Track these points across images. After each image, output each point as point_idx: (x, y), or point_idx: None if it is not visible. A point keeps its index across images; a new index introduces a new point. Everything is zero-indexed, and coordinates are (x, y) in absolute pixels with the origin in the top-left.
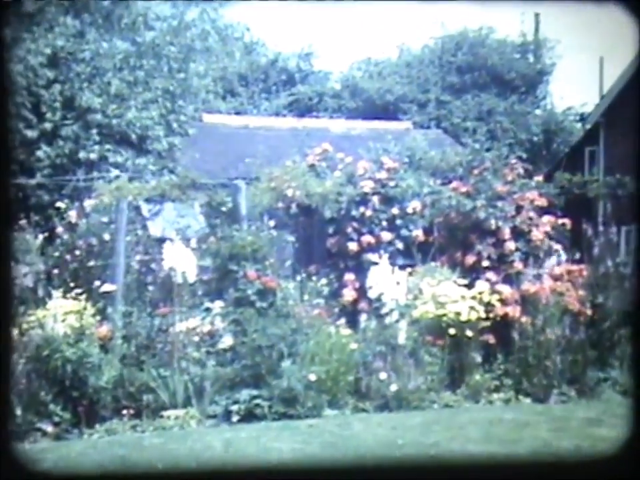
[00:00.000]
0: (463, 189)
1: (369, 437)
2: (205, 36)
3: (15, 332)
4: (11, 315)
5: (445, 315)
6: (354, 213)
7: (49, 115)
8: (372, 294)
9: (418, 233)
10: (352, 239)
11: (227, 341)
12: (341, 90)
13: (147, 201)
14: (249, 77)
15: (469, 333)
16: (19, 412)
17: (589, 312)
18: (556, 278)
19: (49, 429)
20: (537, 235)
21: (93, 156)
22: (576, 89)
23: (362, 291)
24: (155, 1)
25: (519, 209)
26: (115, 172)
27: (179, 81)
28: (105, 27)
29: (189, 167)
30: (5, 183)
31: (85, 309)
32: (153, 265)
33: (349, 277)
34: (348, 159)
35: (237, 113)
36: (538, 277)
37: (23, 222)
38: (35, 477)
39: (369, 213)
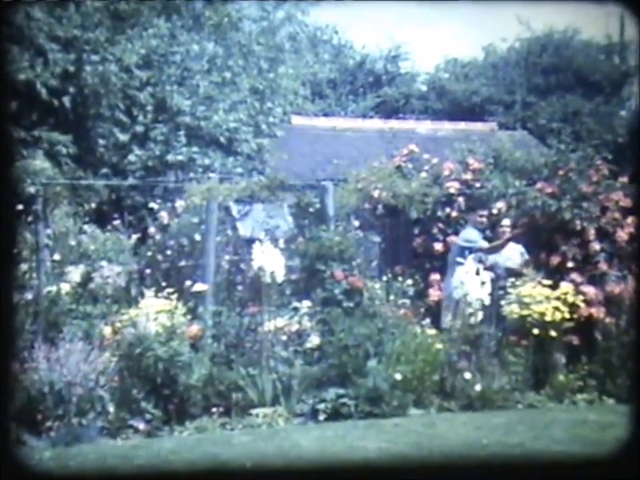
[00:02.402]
0: (548, 190)
1: (454, 436)
2: (293, 37)
3: (109, 330)
4: (12, 320)
5: (529, 315)
6: (440, 213)
7: (140, 118)
8: (457, 294)
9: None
10: (437, 240)
11: (314, 340)
12: (427, 92)
13: (237, 201)
14: (337, 79)
15: (553, 334)
16: (111, 409)
17: None
18: None
19: (141, 426)
20: (621, 235)
21: (181, 158)
22: None
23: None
24: (244, 2)
25: (604, 209)
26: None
27: (267, 82)
28: (195, 28)
29: (277, 168)
30: (5, 183)
31: (176, 308)
32: (242, 265)
33: (435, 277)
34: (434, 160)
35: (325, 115)
36: (622, 278)
37: (116, 222)
38: (34, 477)
39: (454, 213)
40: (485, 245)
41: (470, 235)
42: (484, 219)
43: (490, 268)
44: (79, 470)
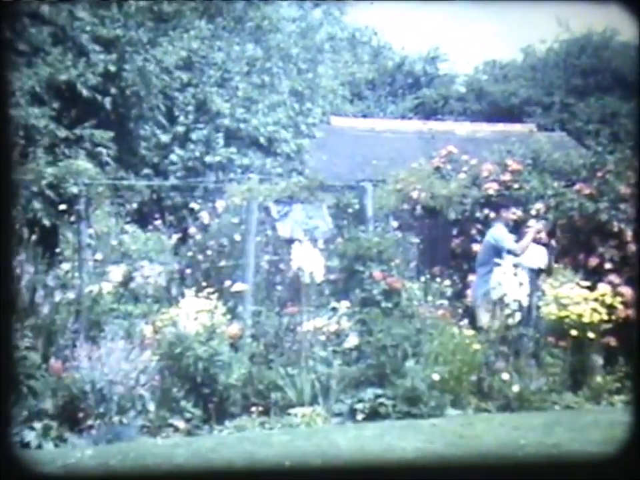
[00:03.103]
0: (587, 191)
1: (491, 437)
2: (332, 38)
3: (149, 330)
4: (11, 318)
5: (567, 316)
6: (478, 214)
7: (181, 119)
8: (495, 295)
9: (541, 235)
10: (476, 241)
11: (352, 341)
12: (466, 93)
13: (276, 202)
14: (376, 80)
15: (591, 335)
16: (152, 408)
17: None
18: None
19: (181, 424)
20: None
21: (220, 159)
22: None
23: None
24: (283, 3)
25: None
26: (250, 175)
27: (306, 83)
28: (236, 30)
29: (316, 168)
30: (6, 182)
31: (216, 307)
32: (282, 265)
33: (473, 277)
34: (472, 161)
35: (364, 116)
36: None
37: (157, 222)
38: (34, 478)
39: (492, 214)
40: (514, 246)
41: (498, 232)
42: (515, 217)
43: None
44: (79, 470)
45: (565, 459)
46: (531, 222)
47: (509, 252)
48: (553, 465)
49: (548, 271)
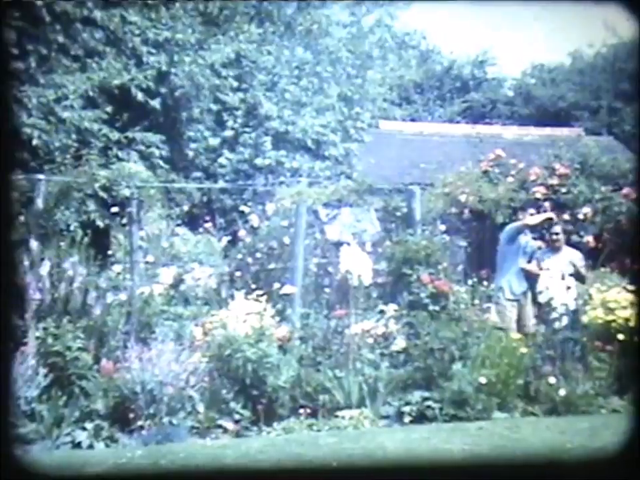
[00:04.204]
0: (634, 196)
1: (538, 440)
2: (382, 43)
3: (199, 331)
4: (11, 321)
5: (613, 320)
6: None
7: (230, 122)
8: (542, 299)
9: (589, 239)
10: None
11: (400, 343)
12: (514, 97)
13: (325, 205)
14: (424, 84)
15: (638, 339)
16: (201, 409)
17: None
18: None
19: (230, 426)
20: None
21: (270, 162)
22: None
23: (533, 296)
24: (334, 7)
25: None
26: (300, 179)
27: (356, 87)
28: (286, 34)
29: (365, 172)
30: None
31: (265, 310)
32: (330, 268)
33: None
34: (520, 165)
35: (412, 120)
36: None
37: (207, 225)
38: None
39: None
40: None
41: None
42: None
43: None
44: (79, 470)
45: (566, 459)
46: (556, 228)
47: (518, 231)
48: (554, 465)
49: (578, 275)
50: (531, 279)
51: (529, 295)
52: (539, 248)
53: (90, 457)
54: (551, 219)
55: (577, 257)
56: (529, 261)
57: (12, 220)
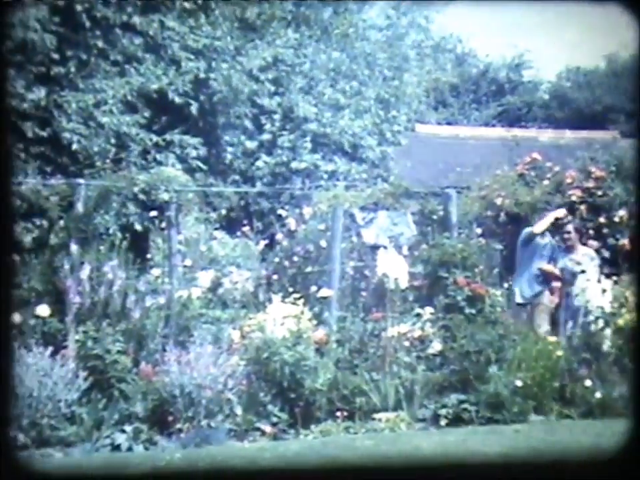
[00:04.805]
0: None
1: (574, 443)
2: (418, 45)
3: (237, 335)
4: (10, 321)
5: None
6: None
7: (268, 126)
8: (578, 301)
9: (624, 242)
10: (558, 247)
11: (436, 346)
12: (550, 100)
13: (362, 208)
14: (460, 87)
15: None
16: (239, 412)
17: None
18: None
19: (267, 428)
20: None
21: (306, 165)
22: None
23: (568, 299)
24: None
25: None
26: (336, 182)
27: (392, 90)
28: (323, 38)
29: (401, 175)
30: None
31: (302, 313)
32: (367, 272)
33: (556, 284)
34: (556, 168)
35: (448, 123)
36: None
37: (245, 229)
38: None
39: (576, 221)
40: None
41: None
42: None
43: (560, 271)
44: (80, 470)
45: (566, 459)
46: (569, 227)
47: (530, 237)
48: (554, 464)
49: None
50: (548, 280)
51: (544, 297)
52: (558, 246)
53: (129, 459)
54: (558, 218)
55: (591, 256)
56: (548, 262)
57: (12, 222)
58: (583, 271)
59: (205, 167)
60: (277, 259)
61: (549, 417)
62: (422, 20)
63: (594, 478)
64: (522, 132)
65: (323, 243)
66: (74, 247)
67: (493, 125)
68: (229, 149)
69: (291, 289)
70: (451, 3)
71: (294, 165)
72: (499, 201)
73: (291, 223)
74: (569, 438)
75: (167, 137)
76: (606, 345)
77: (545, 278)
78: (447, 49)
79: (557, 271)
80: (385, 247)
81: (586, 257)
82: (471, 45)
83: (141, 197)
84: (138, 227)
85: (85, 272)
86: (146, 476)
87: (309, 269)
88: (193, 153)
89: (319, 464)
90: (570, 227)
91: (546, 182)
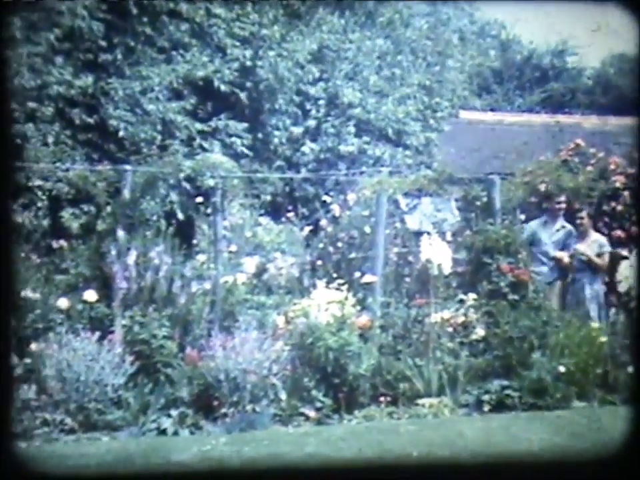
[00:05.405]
0: None
1: (616, 430)
2: (462, 33)
3: (282, 320)
4: (9, 315)
5: None
6: (605, 207)
7: (313, 112)
8: (621, 287)
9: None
10: (603, 233)
11: (479, 332)
12: (593, 86)
13: (405, 195)
14: (504, 74)
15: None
16: (284, 397)
17: None
18: None
19: (312, 413)
20: None
21: (352, 149)
22: None
23: (612, 285)
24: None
25: None
26: (381, 169)
27: (435, 77)
28: (367, 25)
29: (445, 162)
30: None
31: (346, 299)
32: (410, 258)
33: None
34: (600, 154)
35: (492, 110)
36: None
37: (290, 214)
38: (34, 477)
39: (620, 207)
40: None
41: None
42: (562, 205)
43: (571, 257)
44: (79, 470)
45: (565, 459)
46: (582, 213)
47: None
48: (554, 464)
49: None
50: (562, 268)
51: (556, 285)
52: (570, 233)
53: (175, 443)
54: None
55: (601, 243)
56: (562, 249)
57: (12, 225)
58: (625, 257)
59: (250, 153)
60: (321, 245)
61: (591, 403)
62: (466, 6)
63: (593, 478)
64: (565, 118)
65: (367, 229)
66: (121, 233)
67: (537, 111)
68: (275, 134)
69: (335, 275)
70: None
71: (340, 148)
72: (542, 187)
73: (335, 209)
74: (612, 424)
75: (212, 123)
76: None
77: (559, 266)
78: (490, 35)
79: (567, 259)
80: (429, 233)
81: (596, 244)
82: (514, 31)
83: (187, 183)
84: (183, 213)
85: (131, 257)
86: (148, 476)
87: (352, 255)
88: (238, 140)
89: (363, 449)
90: (584, 213)
91: (590, 168)
